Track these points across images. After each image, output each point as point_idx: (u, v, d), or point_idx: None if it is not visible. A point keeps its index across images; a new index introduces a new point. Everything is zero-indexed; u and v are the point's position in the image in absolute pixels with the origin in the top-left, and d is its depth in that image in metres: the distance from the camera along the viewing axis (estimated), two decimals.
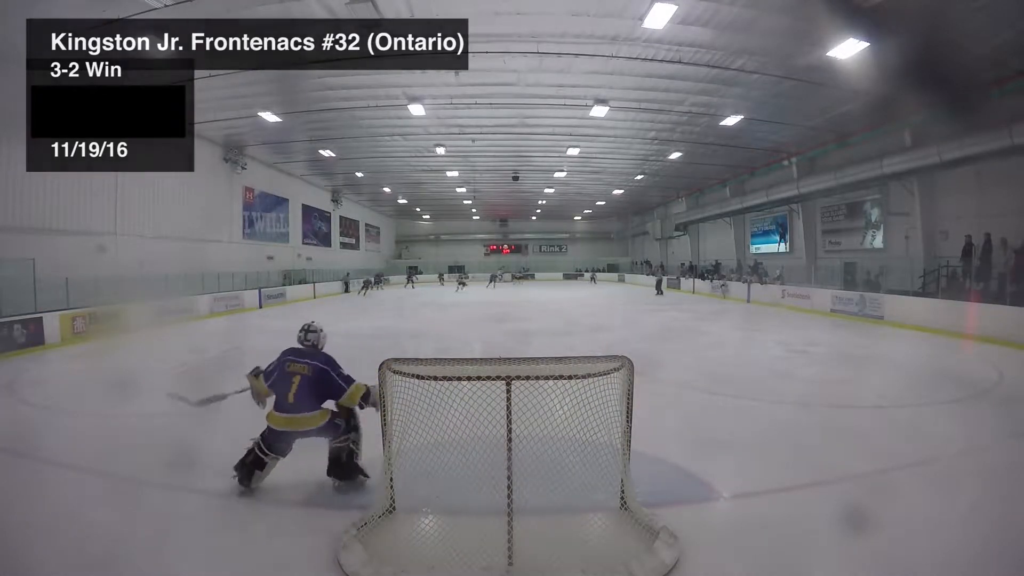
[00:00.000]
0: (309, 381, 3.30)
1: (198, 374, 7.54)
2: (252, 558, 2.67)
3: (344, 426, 3.41)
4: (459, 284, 27.84)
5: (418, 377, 2.76)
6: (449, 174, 24.85)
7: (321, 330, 3.61)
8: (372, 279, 28.34)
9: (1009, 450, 4.11)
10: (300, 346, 3.51)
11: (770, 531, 2.88)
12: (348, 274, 28.79)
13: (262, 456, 3.32)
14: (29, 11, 8.55)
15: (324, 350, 3.56)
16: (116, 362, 9.09)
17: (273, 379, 3.41)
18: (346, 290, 27.40)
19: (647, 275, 32.63)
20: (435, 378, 2.73)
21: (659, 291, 23.65)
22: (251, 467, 3.33)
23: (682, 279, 26.28)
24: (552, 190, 29.66)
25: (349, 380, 3.38)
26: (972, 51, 9.80)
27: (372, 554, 2.56)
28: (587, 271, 41.07)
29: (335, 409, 3.41)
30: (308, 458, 3.97)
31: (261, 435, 3.35)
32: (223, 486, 3.48)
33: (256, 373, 3.51)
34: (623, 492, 2.95)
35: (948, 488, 3.45)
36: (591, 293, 25.52)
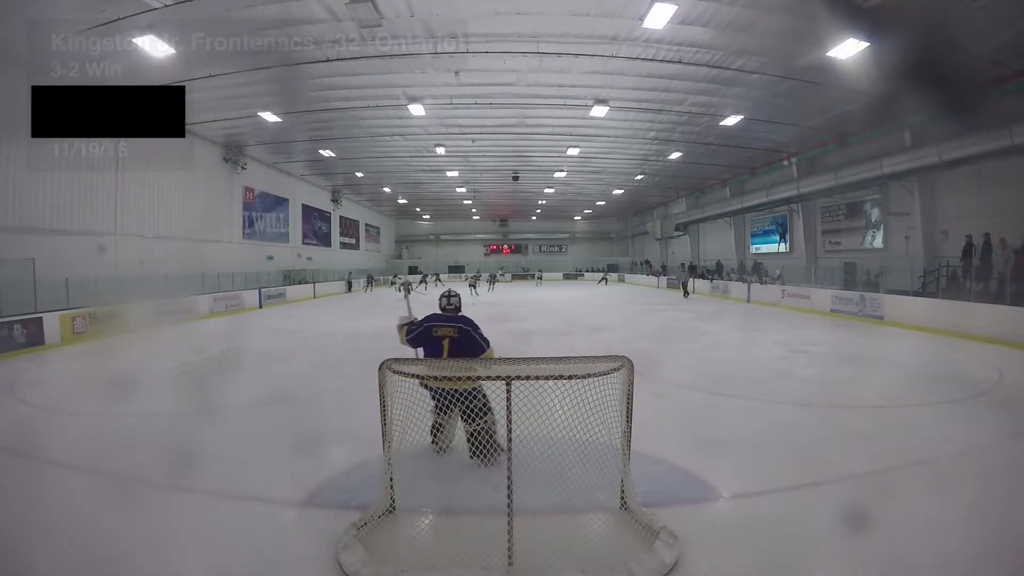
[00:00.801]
0: (457, 343, 3.67)
1: (198, 374, 7.55)
2: (252, 558, 2.67)
3: (484, 403, 3.30)
4: (470, 287, 23.90)
5: (418, 377, 2.76)
6: (449, 174, 24.85)
7: (459, 295, 4.03)
8: (410, 282, 24.65)
9: (1009, 450, 4.10)
10: (441, 311, 3.88)
11: (770, 531, 2.88)
12: (351, 273, 29.14)
13: (436, 418, 3.50)
14: (29, 11, 8.56)
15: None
16: (116, 362, 9.08)
17: (416, 335, 3.80)
18: (348, 289, 27.71)
19: (647, 275, 32.56)
20: (435, 378, 2.74)
21: (686, 293, 21.61)
22: (433, 431, 3.56)
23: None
24: (552, 190, 29.65)
25: (487, 341, 3.77)
26: (972, 51, 9.80)
27: (372, 554, 2.55)
28: (599, 271, 39.81)
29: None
30: (309, 458, 3.99)
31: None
32: (223, 486, 3.49)
33: (404, 323, 3.95)
34: (623, 492, 2.95)
35: (948, 488, 3.44)
36: (591, 293, 25.51)
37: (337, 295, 25.68)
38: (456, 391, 3.23)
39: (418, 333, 3.80)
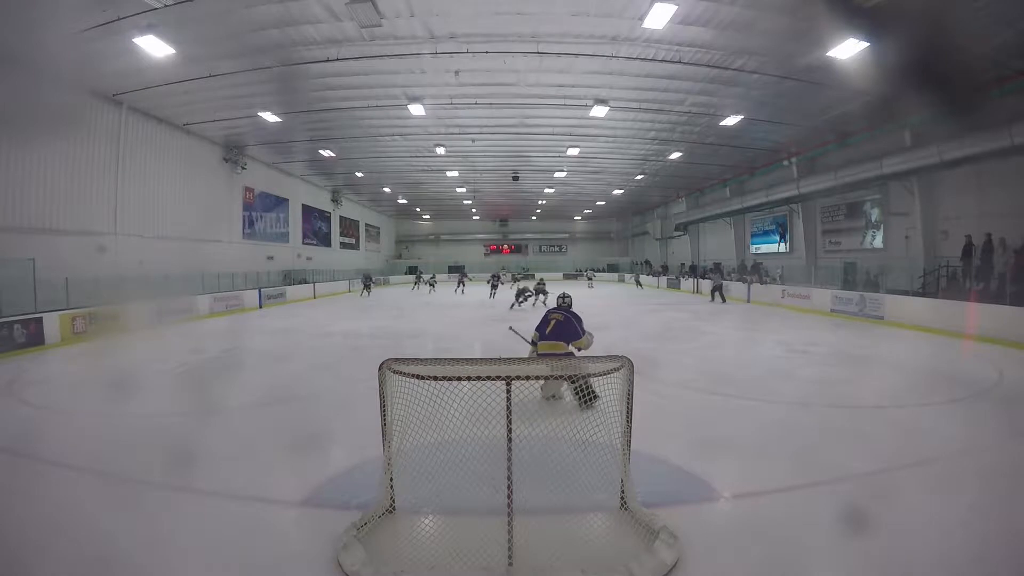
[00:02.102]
0: (560, 324, 5.26)
1: (198, 374, 7.55)
2: (252, 558, 2.67)
3: None
4: (530, 294, 17.82)
5: (418, 377, 2.75)
6: (449, 174, 24.85)
7: (571, 296, 5.88)
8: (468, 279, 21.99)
9: (1009, 450, 4.10)
10: (558, 307, 5.62)
11: (770, 531, 2.88)
12: (365, 276, 28.76)
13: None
14: (29, 11, 8.56)
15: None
16: (116, 362, 9.09)
17: (541, 320, 5.47)
18: (368, 292, 26.26)
19: (647, 275, 32.50)
20: (435, 378, 2.73)
21: (715, 298, 18.58)
22: (542, 388, 5.02)
23: (682, 279, 26.28)
24: (552, 190, 29.65)
25: (584, 331, 5.24)
26: (972, 51, 9.80)
27: (372, 554, 2.55)
28: (600, 270, 38.38)
29: (574, 351, 5.21)
30: (309, 458, 3.99)
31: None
32: (223, 485, 3.49)
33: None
34: (623, 492, 2.95)
35: (948, 488, 3.44)
36: (592, 292, 25.47)
37: (339, 295, 25.64)
38: (556, 354, 4.95)
39: (542, 320, 5.44)
